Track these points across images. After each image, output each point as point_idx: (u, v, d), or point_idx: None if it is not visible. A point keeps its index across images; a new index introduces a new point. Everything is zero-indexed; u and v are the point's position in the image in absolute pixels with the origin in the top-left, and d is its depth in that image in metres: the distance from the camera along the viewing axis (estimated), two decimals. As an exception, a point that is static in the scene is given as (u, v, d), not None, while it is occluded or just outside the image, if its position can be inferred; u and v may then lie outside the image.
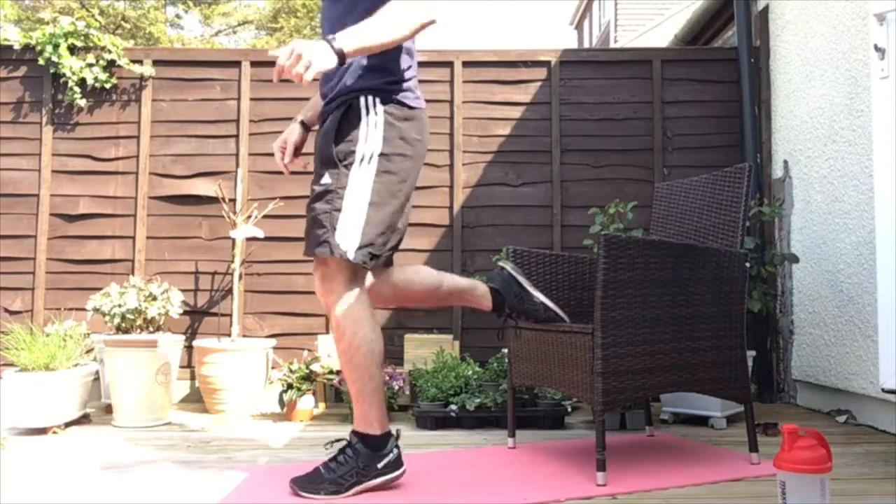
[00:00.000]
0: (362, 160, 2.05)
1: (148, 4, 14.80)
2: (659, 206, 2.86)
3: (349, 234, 2.01)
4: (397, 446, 2.12)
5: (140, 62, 4.07)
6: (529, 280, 2.55)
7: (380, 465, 2.07)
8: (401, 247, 2.25)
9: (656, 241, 2.33)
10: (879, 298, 2.62)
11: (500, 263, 2.48)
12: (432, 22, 2.02)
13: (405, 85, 2.15)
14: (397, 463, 2.11)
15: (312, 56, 1.86)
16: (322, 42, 1.91)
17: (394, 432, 2.14)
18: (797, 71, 3.68)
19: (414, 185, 2.20)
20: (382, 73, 2.10)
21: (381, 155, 2.07)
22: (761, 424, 2.82)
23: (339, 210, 2.02)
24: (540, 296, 2.40)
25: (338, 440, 2.16)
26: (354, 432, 2.10)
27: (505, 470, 2.37)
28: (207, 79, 4.09)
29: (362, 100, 2.08)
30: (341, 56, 1.91)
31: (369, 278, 2.18)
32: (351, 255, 2.01)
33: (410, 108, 2.14)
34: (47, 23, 4.04)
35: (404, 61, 2.15)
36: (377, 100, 2.09)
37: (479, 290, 2.37)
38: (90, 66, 4.00)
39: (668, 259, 2.27)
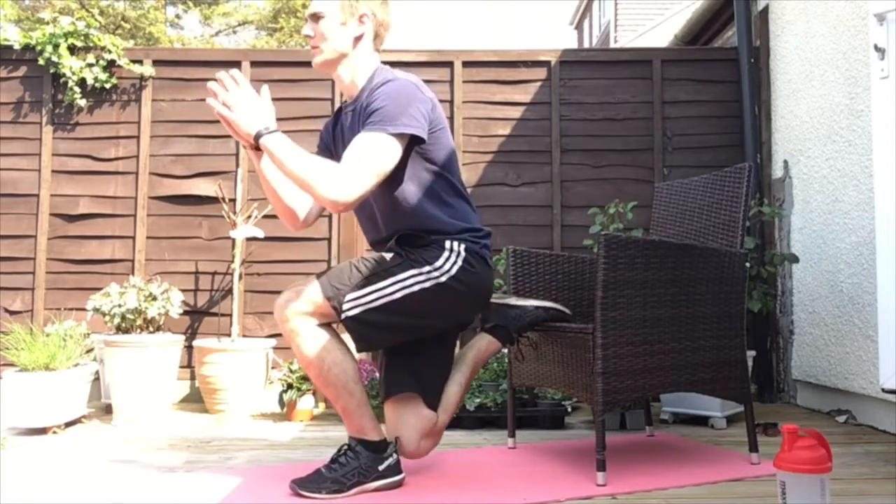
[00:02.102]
0: (424, 273, 2.05)
1: (148, 4, 14.80)
2: (659, 206, 2.86)
3: (357, 303, 2.01)
4: (396, 452, 2.13)
5: (140, 62, 4.07)
6: (525, 286, 2.56)
7: (381, 468, 2.08)
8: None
9: (656, 241, 2.33)
10: (879, 298, 2.62)
11: None
12: (334, 206, 1.93)
13: (487, 242, 2.18)
14: (397, 468, 2.11)
15: (241, 117, 1.93)
16: (261, 122, 1.95)
17: (392, 440, 2.14)
18: (797, 71, 3.68)
19: (454, 327, 2.23)
20: (464, 231, 2.12)
21: (443, 285, 2.06)
22: (761, 424, 2.82)
23: (371, 283, 2.02)
24: (533, 302, 2.40)
25: (340, 447, 2.16)
26: (353, 438, 2.11)
27: (505, 470, 2.37)
28: (207, 79, 4.04)
29: (448, 243, 2.09)
30: (256, 141, 1.94)
31: (423, 427, 2.16)
32: (342, 315, 2.00)
33: (489, 266, 2.17)
34: (47, 23, 4.04)
35: (474, 217, 2.19)
36: (463, 246, 2.10)
37: (483, 345, 2.37)
38: (90, 66, 4.00)
39: (668, 259, 2.27)
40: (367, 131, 1.98)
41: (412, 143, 2.06)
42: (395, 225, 2.12)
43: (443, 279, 2.06)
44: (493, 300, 2.38)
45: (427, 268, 2.06)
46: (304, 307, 2.00)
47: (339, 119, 2.25)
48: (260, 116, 1.96)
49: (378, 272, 2.04)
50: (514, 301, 2.39)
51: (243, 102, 1.95)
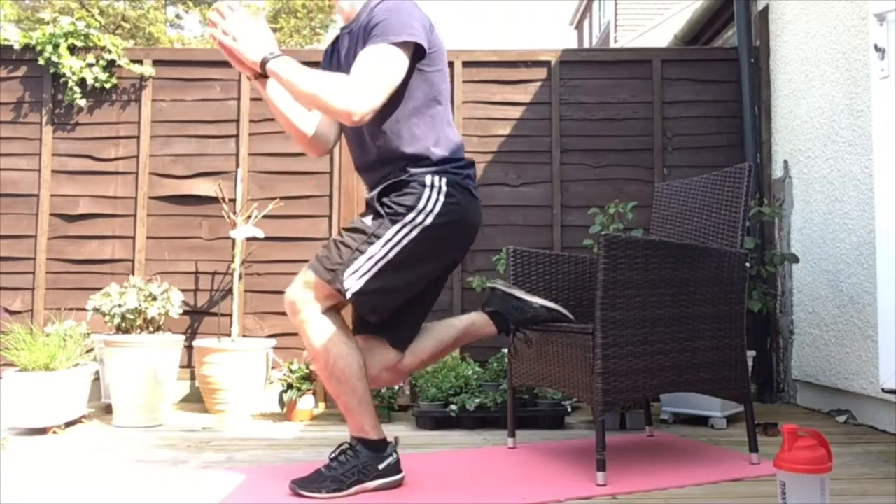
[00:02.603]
0: (409, 223, 2.04)
1: (148, 4, 14.79)
2: (659, 206, 2.86)
3: (357, 276, 2.01)
4: (396, 452, 2.13)
5: (140, 62, 4.07)
6: (526, 286, 2.55)
7: (380, 467, 2.08)
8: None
9: (656, 241, 2.33)
10: (879, 298, 2.62)
11: (489, 285, 2.48)
12: (349, 117, 1.94)
13: (470, 171, 2.17)
14: (396, 468, 2.12)
15: (246, 45, 1.96)
16: (265, 47, 1.96)
17: (392, 439, 2.14)
18: (797, 71, 3.68)
19: (447, 270, 2.23)
20: (445, 161, 2.11)
21: (428, 227, 2.05)
22: (761, 424, 2.82)
23: (362, 253, 2.02)
24: (537, 299, 2.40)
25: (340, 445, 2.16)
26: (353, 437, 2.11)
27: (505, 470, 2.37)
28: (207, 79, 4.09)
29: (428, 177, 2.08)
30: (262, 66, 1.96)
31: (387, 362, 2.19)
32: (348, 295, 2.01)
33: (473, 196, 2.16)
34: (47, 23, 4.04)
35: (460, 149, 2.18)
36: (444, 180, 2.09)
37: (478, 322, 2.36)
38: (90, 66, 4.00)
39: (668, 259, 2.27)
40: (372, 44, 1.98)
41: (415, 58, 2.05)
42: (383, 145, 2.10)
43: (428, 221, 2.05)
44: (500, 288, 2.39)
45: (410, 216, 2.04)
46: (310, 295, 2.02)
47: (336, 46, 2.24)
48: (262, 42, 1.98)
49: (365, 241, 2.03)
50: (519, 294, 2.39)
51: (244, 31, 1.97)
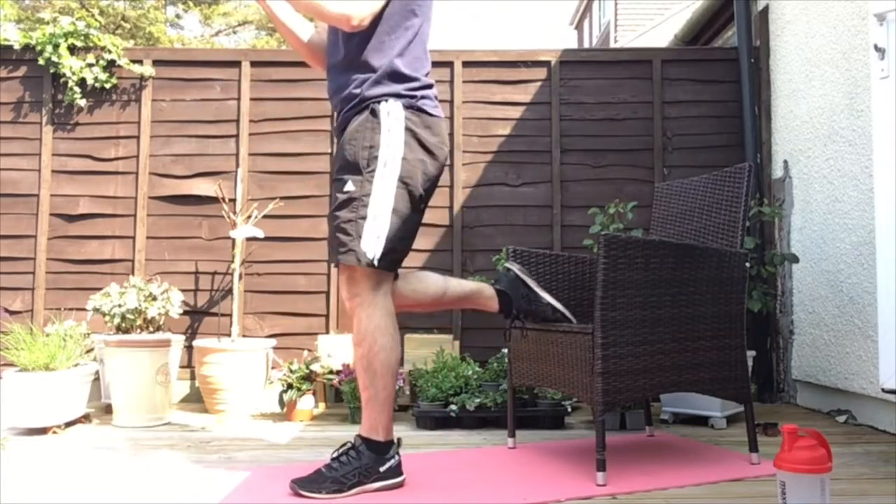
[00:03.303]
0: (385, 165, 2.06)
1: (148, 4, 14.79)
2: (659, 206, 2.86)
3: (374, 242, 2.03)
4: (398, 454, 2.13)
5: (140, 62, 4.07)
6: (536, 281, 2.55)
7: (382, 469, 2.08)
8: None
9: (656, 241, 2.33)
10: (879, 298, 2.62)
11: (507, 265, 2.47)
12: (348, 22, 2.00)
13: (425, 92, 2.17)
14: (397, 470, 2.12)
15: None
16: None
17: (395, 440, 2.14)
18: (797, 71, 3.68)
19: (432, 191, 2.21)
20: (402, 79, 2.12)
21: (403, 159, 2.08)
22: (761, 424, 2.82)
23: (364, 218, 2.04)
24: (548, 297, 2.40)
25: (344, 444, 2.16)
26: (359, 436, 2.11)
27: (505, 470, 2.37)
28: (207, 79, 4.09)
29: (383, 105, 2.09)
30: None
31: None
32: (377, 263, 2.03)
33: (430, 115, 2.16)
34: (47, 23, 4.04)
35: (422, 68, 2.17)
36: (399, 104, 2.10)
37: (485, 292, 2.37)
38: (90, 66, 4.00)
39: (668, 259, 2.27)
40: None
41: None
42: (351, 48, 2.12)
43: (399, 154, 2.07)
44: (514, 271, 2.40)
45: (381, 158, 2.05)
46: (356, 288, 2.06)
47: None
48: None
49: (359, 205, 2.04)
50: (531, 283, 2.39)
51: None
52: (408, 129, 2.09)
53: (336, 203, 2.08)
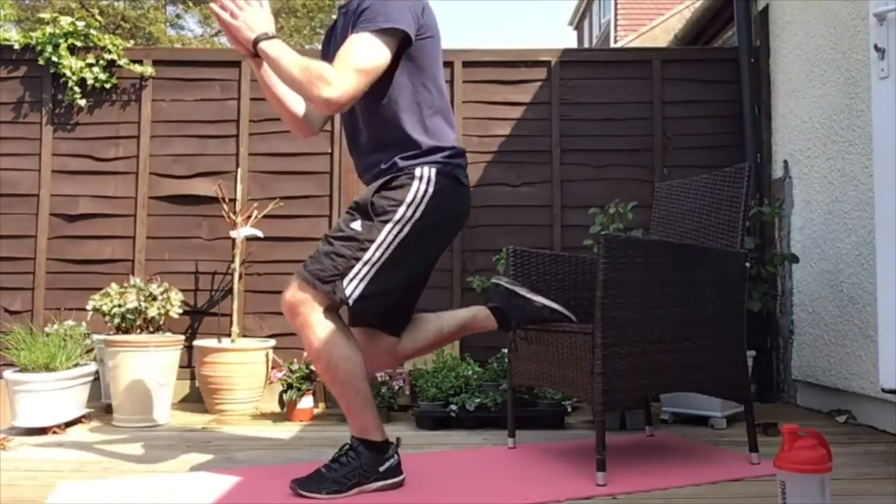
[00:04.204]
0: (399, 221, 2.05)
1: (148, 4, 14.80)
2: (659, 206, 2.86)
3: (356, 283, 2.02)
4: (397, 453, 2.13)
5: (140, 62, 4.07)
6: (527, 285, 2.56)
7: (381, 469, 2.08)
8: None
9: (656, 241, 2.33)
10: (879, 298, 2.61)
11: (494, 280, 2.48)
12: (327, 105, 1.97)
13: (459, 161, 2.18)
14: (397, 469, 2.12)
15: (245, 23, 2.01)
16: (261, 28, 2.02)
17: (394, 440, 2.14)
18: (797, 71, 3.68)
19: (438, 257, 2.24)
20: (435, 150, 2.12)
21: (418, 221, 2.07)
22: (761, 424, 2.82)
23: (357, 260, 2.02)
24: (541, 299, 2.40)
25: (343, 446, 2.16)
26: (354, 437, 2.11)
27: (505, 470, 2.37)
28: (207, 79, 4.09)
29: (417, 170, 2.09)
30: (255, 45, 2.01)
31: (385, 346, 2.24)
32: (350, 302, 2.02)
33: (462, 184, 2.17)
34: (47, 23, 4.04)
35: (450, 136, 2.18)
36: (434, 170, 2.10)
37: (480, 315, 2.38)
38: (90, 66, 4.00)
39: (669, 259, 2.27)
40: (356, 31, 2.01)
41: (402, 45, 2.06)
42: (374, 131, 2.13)
43: (417, 215, 2.06)
44: (504, 284, 2.40)
45: (399, 212, 2.05)
46: (309, 297, 2.02)
47: (335, 24, 2.27)
48: (260, 23, 2.03)
49: (358, 248, 2.03)
50: (522, 291, 2.40)
51: (245, 10, 2.03)
52: (437, 193, 2.09)
53: (338, 232, 2.07)
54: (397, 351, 2.27)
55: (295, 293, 2.03)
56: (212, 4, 2.04)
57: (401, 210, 2.05)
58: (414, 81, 2.11)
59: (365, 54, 1.98)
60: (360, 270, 2.03)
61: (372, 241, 2.04)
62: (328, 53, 2.22)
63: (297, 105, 2.26)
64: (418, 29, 2.08)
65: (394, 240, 2.05)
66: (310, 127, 2.31)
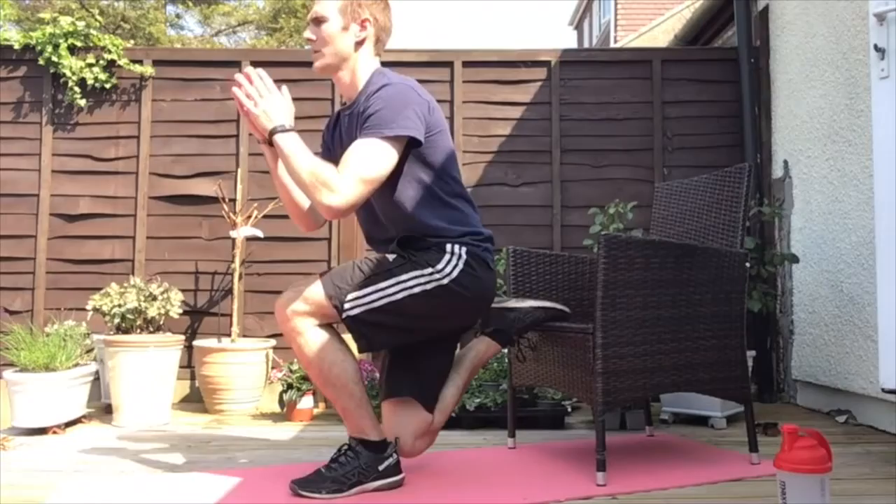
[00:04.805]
0: (425, 275, 2.05)
1: (148, 4, 14.79)
2: (659, 206, 2.85)
3: (358, 303, 2.02)
4: (396, 452, 2.13)
5: (140, 62, 4.07)
6: (525, 286, 2.56)
7: (380, 468, 2.08)
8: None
9: (656, 241, 2.33)
10: (879, 298, 2.61)
11: None
12: (328, 211, 1.97)
13: (488, 245, 2.18)
14: (396, 468, 2.12)
15: (264, 111, 2.01)
16: (279, 118, 2.02)
17: (392, 440, 2.14)
18: (797, 71, 3.68)
19: (457, 332, 2.25)
20: (470, 234, 2.13)
21: (444, 287, 2.06)
22: (761, 424, 2.82)
23: (372, 284, 2.02)
24: (530, 302, 2.39)
25: (342, 446, 2.16)
26: (352, 437, 2.11)
27: (505, 470, 2.37)
28: (207, 79, 4.09)
29: (449, 245, 2.09)
30: (272, 134, 2.01)
31: (419, 428, 2.18)
32: (343, 315, 2.01)
33: (490, 269, 2.17)
34: (47, 23, 4.04)
35: (474, 217, 2.19)
36: (465, 249, 2.10)
37: (482, 348, 2.36)
38: (90, 66, 4.00)
39: (669, 259, 2.27)
40: (362, 137, 2.00)
41: (409, 146, 2.06)
42: (397, 226, 2.13)
43: (444, 281, 2.06)
44: (494, 306, 2.38)
45: (429, 269, 2.06)
46: (305, 307, 2.01)
47: (338, 122, 2.27)
48: (280, 113, 2.03)
49: (380, 272, 2.04)
50: (512, 303, 2.39)
51: (265, 98, 2.03)
52: (466, 272, 2.08)
53: (374, 257, 2.08)
54: (431, 429, 2.21)
55: (292, 302, 2.02)
56: (234, 89, 2.04)
57: (430, 269, 2.05)
58: (428, 175, 2.11)
59: (370, 163, 1.97)
60: (368, 294, 2.02)
61: (394, 276, 2.04)
62: (332, 149, 2.25)
63: (302, 198, 2.25)
64: (427, 128, 2.08)
65: (414, 287, 2.04)
66: (314, 220, 2.31)
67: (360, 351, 2.13)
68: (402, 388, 2.18)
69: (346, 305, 2.01)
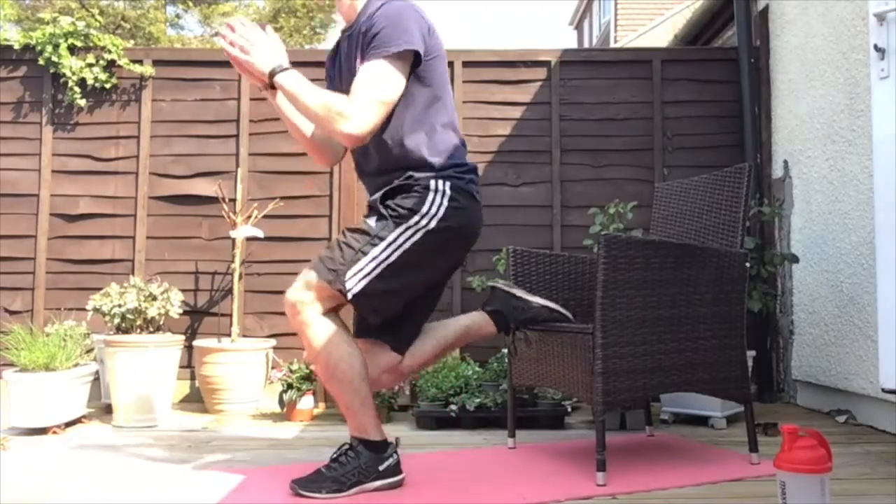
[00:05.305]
0: (413, 226, 2.05)
1: (148, 4, 14.78)
2: (659, 206, 2.85)
3: (359, 278, 2.02)
4: (396, 453, 2.13)
5: (140, 62, 4.07)
6: (525, 286, 2.56)
7: (381, 468, 2.08)
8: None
9: (656, 241, 2.33)
10: (879, 298, 2.61)
11: (490, 284, 2.48)
12: (348, 139, 1.98)
13: (472, 177, 2.18)
14: (397, 469, 2.12)
15: (256, 57, 2.00)
16: (274, 59, 2.01)
17: (393, 440, 2.14)
18: (797, 71, 3.68)
19: (448, 273, 2.23)
20: (449, 166, 2.12)
21: (431, 231, 2.06)
22: (761, 424, 2.82)
23: (364, 254, 2.02)
24: (538, 299, 2.40)
25: (342, 445, 2.16)
26: (354, 437, 2.11)
27: (505, 470, 2.37)
28: (207, 79, 4.09)
29: (432, 182, 2.08)
30: (272, 76, 2.00)
31: (387, 364, 2.19)
32: (349, 296, 2.01)
33: (475, 200, 2.17)
34: (47, 23, 4.04)
35: (464, 153, 2.19)
36: (448, 184, 2.09)
37: (479, 321, 2.36)
38: (90, 66, 4.00)
39: (669, 259, 2.27)
40: (370, 59, 2.00)
41: (413, 64, 2.06)
42: (384, 153, 2.11)
43: (432, 225, 2.06)
44: (500, 287, 2.39)
45: (414, 219, 2.05)
46: (310, 296, 2.02)
47: (338, 49, 2.26)
48: (273, 54, 2.03)
49: (368, 242, 2.04)
50: (520, 293, 2.39)
51: (255, 42, 2.02)
52: (452, 207, 2.08)
53: (355, 227, 2.08)
54: (399, 369, 2.24)
55: (297, 293, 2.03)
56: (220, 41, 2.03)
57: (415, 217, 2.05)
58: (423, 100, 2.11)
59: (380, 84, 1.98)
60: (365, 266, 2.02)
61: (382, 239, 2.04)
62: (333, 77, 2.23)
63: (317, 133, 2.24)
64: (426, 49, 2.08)
65: (404, 242, 2.04)
66: (333, 154, 2.29)
67: (374, 323, 2.14)
68: (376, 334, 2.19)
69: (348, 285, 2.01)
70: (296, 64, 4.26)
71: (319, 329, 2.03)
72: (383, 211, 2.06)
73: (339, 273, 2.01)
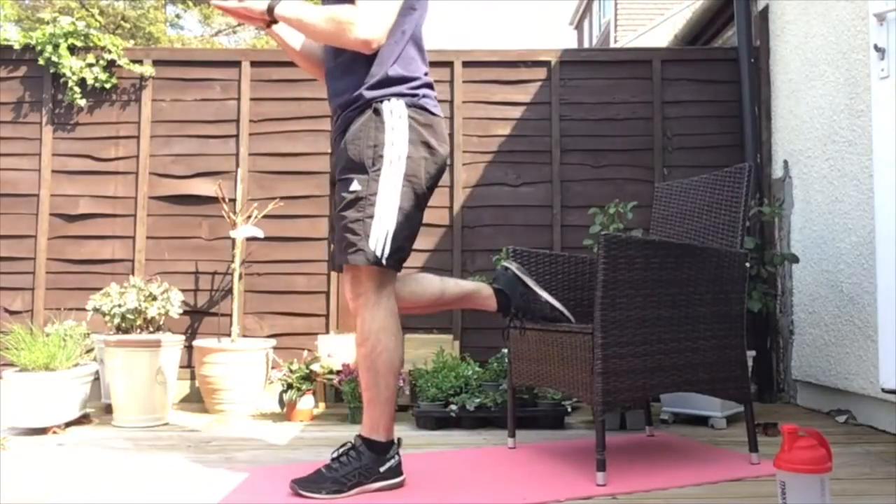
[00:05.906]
0: (390, 164, 2.05)
1: (148, 4, 14.78)
2: (659, 206, 2.86)
3: (382, 241, 2.03)
4: (398, 453, 2.13)
5: (140, 62, 4.07)
6: (534, 280, 2.55)
7: (382, 469, 2.08)
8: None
9: (656, 241, 2.33)
10: (879, 298, 2.61)
11: (504, 263, 2.46)
12: (366, 45, 1.99)
13: (427, 91, 2.16)
14: (398, 470, 2.12)
15: (250, 1, 2.04)
16: None
17: (395, 440, 2.14)
18: (797, 71, 3.68)
19: (433, 190, 2.21)
20: (403, 80, 2.11)
21: (408, 158, 2.07)
22: (761, 424, 2.82)
23: (371, 217, 2.03)
24: (546, 295, 2.40)
25: (344, 444, 2.16)
26: (359, 436, 2.11)
27: (505, 470, 2.37)
28: (207, 79, 4.09)
29: (385, 104, 2.08)
30: (270, 12, 2.03)
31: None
32: (385, 261, 2.03)
33: (432, 113, 2.16)
34: (47, 23, 4.04)
35: (420, 67, 2.16)
36: (402, 102, 2.09)
37: (483, 292, 2.37)
38: (90, 66, 4.00)
39: (668, 259, 2.27)
40: None
41: None
42: (347, 53, 2.09)
43: (402, 153, 2.06)
44: (513, 270, 2.39)
45: (385, 160, 2.04)
46: (359, 287, 2.06)
47: None
48: None
49: (367, 204, 2.03)
50: (530, 282, 2.39)
51: None
52: (412, 128, 2.09)
53: (342, 203, 2.08)
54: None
55: (350, 293, 2.09)
56: (212, 1, 2.05)
57: (386, 153, 2.05)
58: (406, 19, 2.10)
59: None
60: (379, 226, 2.03)
61: (375, 194, 2.04)
62: None
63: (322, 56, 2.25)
64: None
65: (395, 183, 2.05)
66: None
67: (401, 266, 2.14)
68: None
69: (378, 253, 2.02)
70: (295, 64, 4.23)
71: (376, 311, 2.06)
72: (353, 159, 2.05)
73: (365, 250, 2.02)
